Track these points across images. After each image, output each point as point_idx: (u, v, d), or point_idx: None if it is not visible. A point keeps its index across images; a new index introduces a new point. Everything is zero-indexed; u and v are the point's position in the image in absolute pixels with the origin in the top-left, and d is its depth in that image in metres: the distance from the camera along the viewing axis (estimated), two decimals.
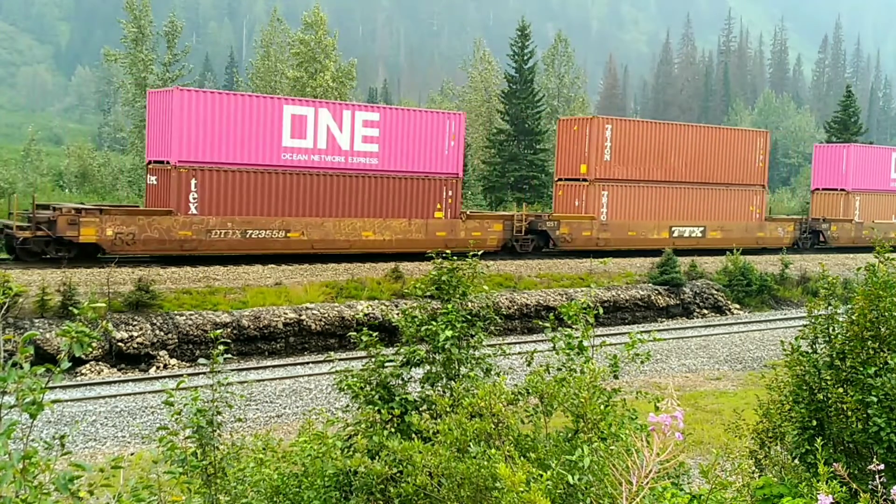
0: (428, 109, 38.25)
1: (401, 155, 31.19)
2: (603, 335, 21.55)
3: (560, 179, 37.83)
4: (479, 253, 8.25)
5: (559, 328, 7.12)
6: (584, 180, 36.14)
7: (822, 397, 6.93)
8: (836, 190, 46.21)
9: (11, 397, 3.28)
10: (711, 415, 17.32)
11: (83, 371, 20.07)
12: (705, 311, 31.65)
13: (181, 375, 17.88)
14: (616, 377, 6.97)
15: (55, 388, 16.99)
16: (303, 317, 23.51)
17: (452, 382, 7.35)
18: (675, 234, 37.83)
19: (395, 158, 31.05)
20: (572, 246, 34.95)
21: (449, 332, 7.24)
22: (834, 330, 7.17)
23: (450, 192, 32.27)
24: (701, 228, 38.65)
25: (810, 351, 7.24)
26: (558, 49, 63.67)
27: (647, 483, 2.82)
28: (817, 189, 47.79)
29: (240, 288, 24.60)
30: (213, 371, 6.61)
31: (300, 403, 18.16)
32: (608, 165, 36.17)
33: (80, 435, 15.51)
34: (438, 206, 32.09)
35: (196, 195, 27.27)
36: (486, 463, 5.08)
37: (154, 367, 20.84)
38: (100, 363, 20.48)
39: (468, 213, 34.17)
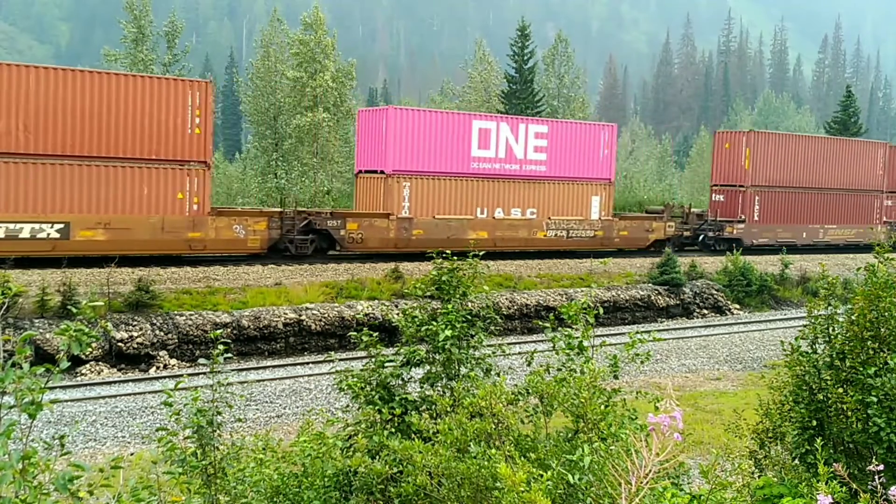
0: None
1: None
2: (603, 335, 21.55)
3: None
4: (481, 253, 8.21)
5: (559, 328, 7.12)
6: None
7: (822, 397, 6.93)
8: (376, 172, 32.47)
9: (11, 397, 3.28)
10: (711, 415, 17.32)
11: (83, 371, 20.08)
12: (705, 311, 31.65)
13: (181, 375, 17.90)
14: (616, 377, 6.97)
15: (55, 388, 17.01)
16: (303, 317, 23.51)
17: (452, 382, 7.35)
18: None
19: None
20: None
21: (449, 332, 7.24)
22: (834, 330, 7.17)
23: None
24: (59, 226, 25.08)
25: (810, 351, 7.23)
26: (558, 49, 63.67)
27: (647, 483, 2.81)
28: (360, 172, 33.69)
29: (240, 288, 24.61)
30: (213, 371, 6.60)
31: (300, 403, 18.16)
32: None
33: (80, 435, 15.51)
34: None
35: None
36: (486, 463, 5.08)
37: (154, 368, 20.85)
38: (100, 363, 20.48)
39: None
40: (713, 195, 42.61)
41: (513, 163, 34.06)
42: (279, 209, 31.20)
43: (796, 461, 7.10)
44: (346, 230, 30.44)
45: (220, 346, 6.69)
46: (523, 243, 34.33)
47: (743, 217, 40.84)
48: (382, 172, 31.85)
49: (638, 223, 37.85)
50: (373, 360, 7.58)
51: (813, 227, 42.88)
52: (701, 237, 40.45)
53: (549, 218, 34.84)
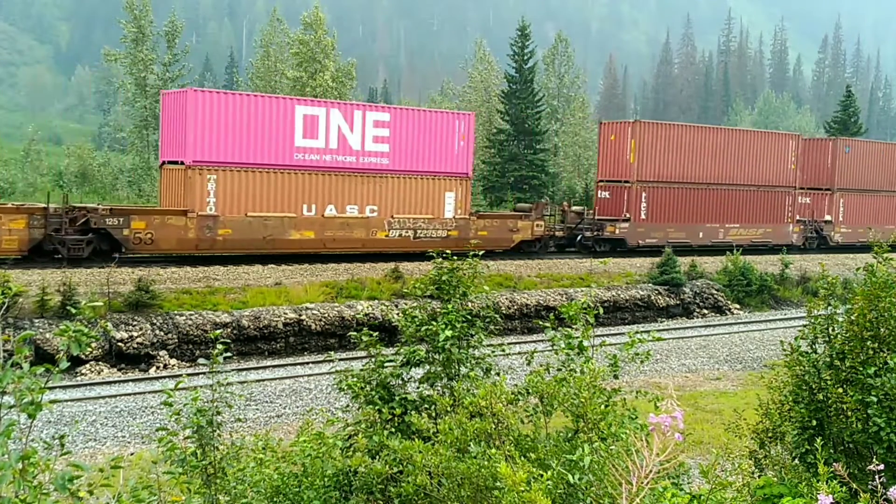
0: None
1: None
2: (603, 335, 21.55)
3: None
4: (481, 253, 8.21)
5: (559, 328, 7.12)
6: None
7: (822, 397, 6.93)
8: (178, 164, 28.48)
9: (11, 397, 3.28)
10: (711, 415, 17.32)
11: (83, 371, 20.08)
12: (705, 311, 31.65)
13: (181, 375, 17.89)
14: (616, 377, 6.96)
15: (55, 388, 17.00)
16: (303, 317, 23.51)
17: (452, 382, 7.34)
18: None
19: None
20: None
21: (449, 332, 7.23)
22: (833, 330, 7.17)
23: None
24: None
25: (810, 351, 7.23)
26: (558, 49, 63.69)
27: (648, 483, 2.81)
28: (164, 163, 29.93)
29: (240, 288, 24.61)
30: (213, 371, 6.60)
31: (300, 403, 18.16)
32: None
33: (80, 435, 15.52)
34: None
35: None
36: (486, 463, 5.08)
37: (154, 367, 20.85)
38: (100, 363, 20.48)
39: None
40: (599, 192, 38.62)
41: (348, 154, 30.19)
42: (44, 204, 26.39)
43: (796, 461, 7.10)
44: (130, 229, 26.34)
45: (220, 346, 6.69)
46: (360, 244, 30.56)
47: (628, 216, 36.77)
48: (182, 163, 27.81)
49: (500, 222, 34.46)
50: (373, 360, 7.58)
51: (711, 226, 39.10)
52: (578, 237, 36.83)
53: (393, 216, 31.20)
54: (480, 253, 8.20)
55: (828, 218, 44.09)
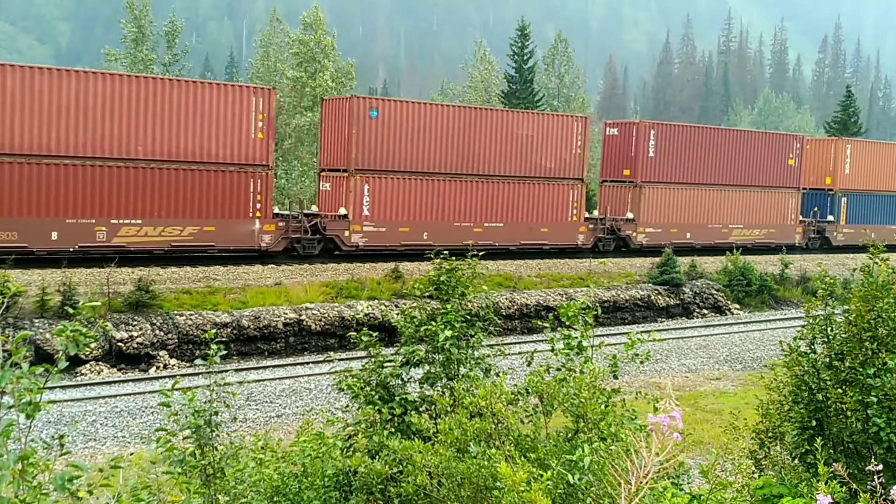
0: None
1: None
2: (603, 335, 21.54)
3: None
4: (480, 253, 8.21)
5: (558, 328, 7.12)
6: None
7: (821, 397, 6.93)
8: None
9: (10, 397, 3.28)
10: (711, 415, 17.32)
11: (83, 371, 20.07)
12: (705, 311, 31.64)
13: (180, 375, 17.89)
14: (616, 377, 6.96)
15: (55, 388, 17.02)
16: (303, 317, 23.51)
17: (452, 382, 7.34)
18: None
19: None
20: None
21: (448, 332, 7.23)
22: (832, 330, 7.17)
23: None
24: None
25: (809, 351, 7.23)
26: (558, 49, 63.71)
27: (647, 483, 2.81)
28: None
29: (240, 288, 24.60)
30: (210, 372, 6.60)
31: (300, 403, 18.16)
32: None
33: (80, 435, 15.51)
34: None
35: None
36: (486, 463, 5.07)
37: (154, 367, 20.84)
38: (100, 363, 20.48)
39: None
40: None
41: None
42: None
43: (796, 461, 7.10)
44: None
45: (214, 347, 6.68)
46: None
47: None
48: None
49: None
50: (372, 360, 7.58)
51: (107, 222, 25.36)
52: None
53: None
54: (480, 253, 8.19)
55: (343, 212, 30.30)
